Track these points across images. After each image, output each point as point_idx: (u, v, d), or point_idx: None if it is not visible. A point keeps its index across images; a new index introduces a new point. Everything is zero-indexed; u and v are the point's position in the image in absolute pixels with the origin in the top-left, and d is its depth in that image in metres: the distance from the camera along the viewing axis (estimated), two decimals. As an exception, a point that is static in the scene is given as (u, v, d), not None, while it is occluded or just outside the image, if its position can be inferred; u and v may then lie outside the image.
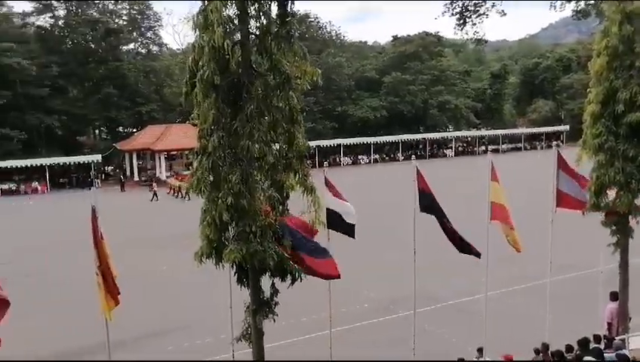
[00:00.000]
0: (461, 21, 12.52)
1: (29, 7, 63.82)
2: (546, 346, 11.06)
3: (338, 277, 10.45)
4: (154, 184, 46.31)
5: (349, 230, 11.70)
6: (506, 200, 12.01)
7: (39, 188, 51.15)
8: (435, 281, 18.89)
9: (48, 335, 16.13)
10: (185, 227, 27.17)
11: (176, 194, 44.82)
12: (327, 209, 11.31)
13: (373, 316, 17.15)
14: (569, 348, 10.71)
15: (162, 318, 17.45)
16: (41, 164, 51.44)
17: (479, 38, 12.95)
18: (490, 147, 65.94)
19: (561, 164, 12.47)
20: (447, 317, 16.90)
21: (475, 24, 12.50)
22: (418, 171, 11.56)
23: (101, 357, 11.44)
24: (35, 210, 41.40)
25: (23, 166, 50.89)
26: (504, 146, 72.75)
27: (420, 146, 69.80)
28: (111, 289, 9.41)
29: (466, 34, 12.81)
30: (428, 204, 11.58)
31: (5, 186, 50.48)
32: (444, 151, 71.03)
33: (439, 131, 75.07)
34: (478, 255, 11.62)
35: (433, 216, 11.58)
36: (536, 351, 11.16)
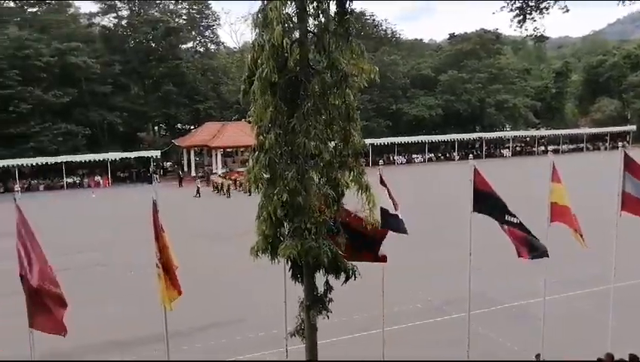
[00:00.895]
0: (521, 17, 12.09)
1: (95, 7, 66.35)
2: (610, 356, 10.64)
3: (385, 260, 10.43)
4: (197, 180, 47.35)
5: (402, 228, 11.59)
6: (570, 201, 11.61)
7: (101, 182, 53.19)
8: (491, 283, 18.49)
9: (112, 323, 16.71)
10: (238, 222, 27.69)
11: (219, 191, 45.55)
12: (382, 208, 11.26)
13: (425, 316, 16.94)
14: (633, 358, 10.29)
15: (217, 310, 17.79)
16: (104, 159, 53.50)
17: (540, 35, 12.47)
18: (549, 147, 63.92)
19: (629, 165, 11.94)
20: (502, 320, 16.50)
21: (535, 20, 12.06)
22: (476, 171, 11.34)
23: (143, 350, 11.85)
24: (99, 202, 43.02)
25: (87, 160, 53.15)
26: (564, 147, 70.44)
27: (476, 146, 68.46)
28: (173, 281, 9.70)
29: (526, 30, 12.36)
30: (485, 204, 11.32)
31: (70, 180, 52.74)
32: (501, 151, 69.44)
33: (496, 131, 73.38)
34: (545, 254, 11.14)
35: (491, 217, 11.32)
36: (600, 362, 10.76)
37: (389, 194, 11.23)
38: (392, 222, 11.26)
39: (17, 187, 10.20)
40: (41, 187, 51.09)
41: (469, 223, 11.55)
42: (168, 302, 9.60)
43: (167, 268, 9.61)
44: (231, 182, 46.63)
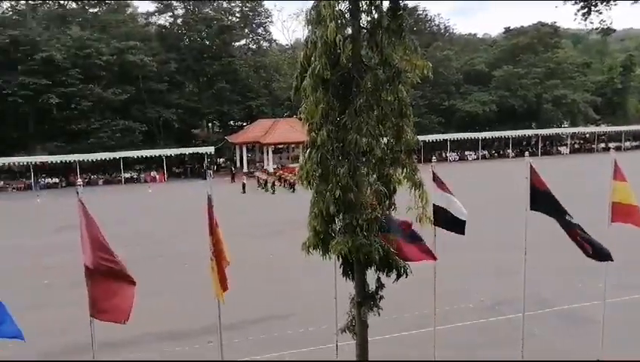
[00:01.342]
0: (586, 10, 11.58)
1: (152, 7, 68.24)
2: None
3: (434, 259, 10.32)
4: (243, 177, 47.89)
5: (457, 226, 11.41)
6: (636, 200, 11.14)
7: (157, 177, 54.68)
8: (546, 283, 18.00)
9: (167, 313, 17.19)
10: (285, 218, 27.86)
11: (264, 188, 45.94)
12: (434, 205, 11.13)
13: (477, 316, 16.65)
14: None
15: (268, 305, 18.02)
16: (160, 155, 55.06)
17: (606, 27, 11.92)
18: (611, 144, 61.56)
19: None
20: (558, 322, 16.02)
21: (601, 13, 11.52)
22: (532, 168, 11.05)
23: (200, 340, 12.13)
24: (155, 197, 44.27)
25: (144, 156, 54.87)
26: (627, 144, 67.63)
27: (532, 143, 66.60)
28: (221, 275, 9.90)
29: (591, 23, 11.84)
30: (542, 202, 11.02)
31: (128, 175, 54.48)
32: (559, 148, 67.29)
33: (553, 127, 71.10)
34: (609, 257, 10.76)
35: (549, 216, 11.02)
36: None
37: (444, 191, 11.08)
38: (445, 220, 11.13)
39: (80, 181, 10.60)
40: (101, 181, 53.00)
41: (525, 222, 11.28)
42: (221, 295, 9.82)
43: (219, 261, 9.83)
44: (275, 178, 47.02)
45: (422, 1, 72.11)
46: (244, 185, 45.05)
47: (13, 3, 63.34)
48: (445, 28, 79.63)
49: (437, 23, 78.69)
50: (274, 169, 52.72)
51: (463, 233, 11.51)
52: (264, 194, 44.34)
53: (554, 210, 10.86)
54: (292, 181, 45.23)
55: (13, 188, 51.62)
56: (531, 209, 11.19)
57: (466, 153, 64.35)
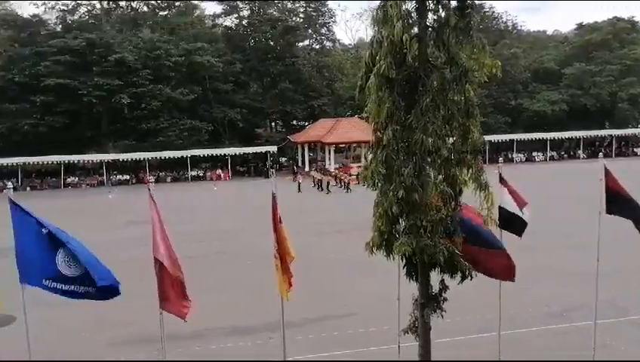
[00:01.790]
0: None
1: (218, 9, 69.92)
2: None
3: (512, 280, 10.05)
4: (299, 176, 48.16)
5: (520, 229, 11.12)
6: None
7: (222, 175, 56.00)
8: (622, 290, 17.17)
9: (230, 309, 17.56)
10: (343, 217, 27.83)
11: (319, 187, 45.93)
12: (500, 207, 10.88)
13: (544, 322, 16.09)
14: None
15: (329, 303, 18.09)
16: (225, 154, 56.38)
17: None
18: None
19: None
20: (635, 333, 15.25)
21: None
22: (607, 170, 10.60)
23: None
24: (220, 194, 45.37)
25: (209, 155, 56.37)
26: None
27: (605, 143, 63.72)
28: (286, 273, 10.04)
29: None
30: (619, 204, 10.56)
31: (194, 173, 56.11)
32: (634, 149, 64.07)
33: (629, 127, 67.68)
34: None
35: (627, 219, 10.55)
36: None
37: (511, 193, 10.81)
38: (510, 223, 10.85)
39: (152, 179, 11.04)
40: (168, 179, 54.82)
41: (597, 224, 10.84)
42: (285, 293, 9.96)
43: (283, 259, 9.97)
44: (331, 178, 46.99)
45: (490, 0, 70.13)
46: (299, 185, 45.37)
47: (89, 8, 66.46)
48: (513, 25, 77.48)
49: (504, 20, 76.64)
50: (335, 168, 52.85)
51: (520, 235, 11.21)
52: (319, 193, 44.49)
53: (632, 213, 10.38)
54: (347, 181, 45.22)
55: (87, 185, 54.21)
56: (607, 213, 10.74)
57: (534, 154, 62.39)
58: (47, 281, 8.54)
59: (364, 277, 19.29)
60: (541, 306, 17.26)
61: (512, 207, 11.11)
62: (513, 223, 11.16)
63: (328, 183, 44.91)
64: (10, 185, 10.49)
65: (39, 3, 65.87)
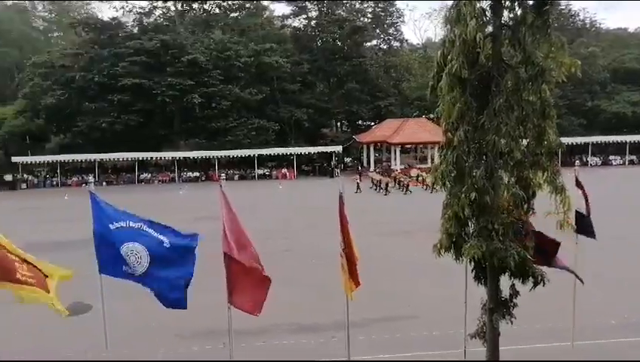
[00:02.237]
0: None
1: (287, 10, 70.90)
2: None
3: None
4: (358, 177, 47.80)
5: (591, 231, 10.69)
6: None
7: (287, 174, 56.71)
8: None
9: (294, 307, 17.73)
10: (405, 218, 27.45)
11: (377, 188, 45.42)
12: (577, 211, 10.47)
13: (619, 334, 15.30)
14: None
15: (392, 304, 17.95)
16: (290, 153, 57.09)
17: None
18: None
19: None
20: None
21: None
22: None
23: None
24: (286, 193, 45.94)
25: (276, 154, 57.25)
26: None
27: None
28: (352, 272, 10.06)
29: None
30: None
31: (260, 171, 57.15)
32: None
33: None
34: None
35: None
36: None
37: (585, 197, 10.40)
38: (586, 227, 10.44)
39: (223, 176, 11.33)
40: (236, 177, 56.07)
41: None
42: (350, 292, 9.98)
43: (349, 259, 9.99)
44: (390, 179, 46.45)
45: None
46: (358, 185, 45.16)
47: (164, 10, 68.96)
48: (591, 23, 74.27)
49: (582, 18, 73.60)
50: (399, 169, 52.40)
51: (594, 236, 10.77)
52: (377, 194, 44.11)
53: None
54: (406, 183, 44.67)
55: (159, 181, 56.27)
56: None
57: (610, 158, 59.57)
58: (125, 267, 8.98)
59: (427, 279, 19.02)
60: (618, 317, 16.44)
61: (585, 210, 10.70)
62: (588, 227, 10.73)
63: (387, 184, 44.46)
64: (90, 179, 11.07)
65: (118, 6, 69.00)
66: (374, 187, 46.29)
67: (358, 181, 45.99)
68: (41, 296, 8.16)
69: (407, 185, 44.42)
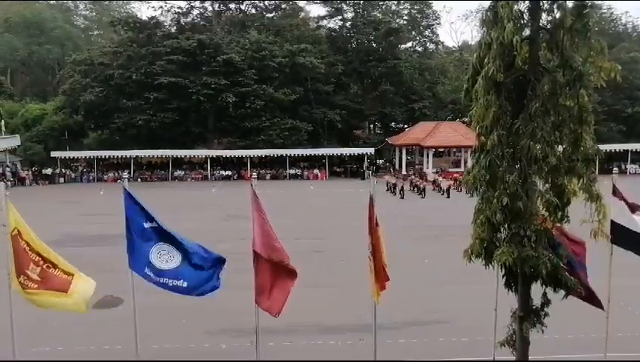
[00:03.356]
0: None
1: (323, 11, 70.96)
2: None
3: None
4: (373, 179, 46.89)
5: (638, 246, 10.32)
6: None
7: (319, 175, 56.76)
8: None
9: (320, 307, 17.75)
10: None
11: (392, 191, 44.77)
12: (613, 221, 10.17)
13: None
14: None
15: (421, 309, 17.80)
16: (322, 154, 57.15)
17: None
18: None
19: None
20: None
21: None
22: None
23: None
24: (317, 193, 45.99)
25: (308, 154, 57.40)
26: None
27: None
28: (379, 274, 10.00)
29: None
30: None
31: (292, 171, 57.36)
32: None
33: None
34: None
35: None
36: None
37: (628, 206, 10.09)
38: (625, 239, 10.13)
39: (255, 175, 11.42)
40: (268, 176, 56.33)
41: None
42: (376, 295, 9.93)
43: (376, 261, 9.94)
44: (405, 183, 45.66)
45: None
46: (394, 187, 44.76)
47: (201, 10, 69.86)
48: (633, 27, 72.34)
49: (624, 22, 71.78)
50: (433, 173, 51.92)
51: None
52: (392, 198, 43.43)
53: None
54: (423, 186, 44.10)
55: (192, 178, 57.01)
56: None
57: (651, 166, 57.95)
58: (147, 269, 9.15)
59: (457, 285, 18.79)
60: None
61: (627, 221, 10.34)
62: (629, 240, 10.36)
63: (402, 188, 43.66)
64: (125, 175, 11.28)
65: (156, 6, 70.24)
66: (389, 190, 45.40)
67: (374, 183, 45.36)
68: (51, 299, 8.39)
69: (424, 189, 43.90)
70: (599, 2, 66.30)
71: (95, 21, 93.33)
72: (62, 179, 55.60)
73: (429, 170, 53.44)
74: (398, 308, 16.52)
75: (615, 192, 10.36)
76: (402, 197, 42.72)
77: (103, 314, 16.27)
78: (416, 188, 45.19)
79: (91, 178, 56.39)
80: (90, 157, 57.44)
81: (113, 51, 61.46)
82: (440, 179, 47.53)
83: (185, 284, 9.11)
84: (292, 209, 36.51)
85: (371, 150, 58.22)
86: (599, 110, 57.59)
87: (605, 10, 69.10)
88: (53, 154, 55.86)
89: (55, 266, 8.75)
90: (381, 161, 64.20)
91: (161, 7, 68.66)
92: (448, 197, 42.75)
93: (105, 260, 19.68)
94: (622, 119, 61.88)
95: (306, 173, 57.64)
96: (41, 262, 8.62)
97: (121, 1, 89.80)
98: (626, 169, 55.71)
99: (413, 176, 49.29)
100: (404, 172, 55.63)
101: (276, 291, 9.43)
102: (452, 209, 34.82)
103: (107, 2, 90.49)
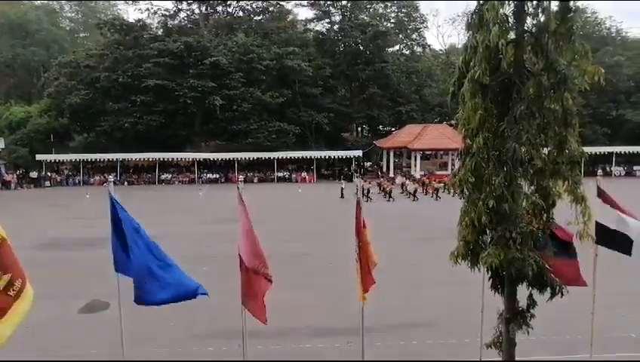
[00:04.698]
0: None
1: (310, 14, 71.14)
2: None
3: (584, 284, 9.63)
4: (343, 182, 47.41)
5: (623, 246, 10.44)
6: None
7: (307, 177, 56.79)
8: None
9: (308, 310, 17.72)
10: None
11: (362, 195, 44.53)
12: (597, 222, 10.28)
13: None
14: None
15: (409, 310, 17.84)
16: (310, 157, 57.19)
17: None
18: None
19: None
20: None
21: None
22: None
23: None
24: (305, 196, 45.96)
25: (296, 157, 57.41)
26: None
27: None
28: (365, 277, 10.02)
29: None
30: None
31: (280, 174, 57.34)
32: None
33: None
34: None
35: None
36: None
37: (616, 208, 10.19)
38: (609, 240, 10.24)
39: (241, 178, 11.38)
40: (255, 179, 56.32)
41: None
42: (362, 297, 9.94)
43: (363, 263, 9.96)
44: (372, 185, 45.51)
45: (594, 1, 66.28)
46: (342, 190, 44.70)
47: (188, 13, 69.66)
48: (617, 31, 73.14)
49: (608, 26, 72.54)
50: (420, 175, 52.14)
51: (629, 253, 10.52)
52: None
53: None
54: (389, 190, 44.19)
55: (179, 181, 56.77)
56: None
57: (635, 168, 58.59)
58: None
59: (448, 287, 18.87)
60: (637, 330, 16.14)
61: (613, 222, 10.46)
62: (613, 240, 10.50)
63: (368, 191, 43.28)
64: (111, 178, 11.19)
65: (143, 8, 69.92)
66: (359, 193, 45.00)
67: (343, 186, 45.43)
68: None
69: (391, 192, 43.95)
70: (585, 2, 67.11)
71: (81, 23, 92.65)
72: (47, 183, 55.16)
73: (417, 172, 53.64)
74: (386, 310, 16.56)
75: (600, 194, 10.48)
76: (368, 201, 42.50)
77: (89, 319, 16.15)
78: (384, 192, 45.20)
79: (77, 181, 55.99)
80: (76, 160, 57.00)
81: (99, 54, 61.13)
82: (407, 182, 47.74)
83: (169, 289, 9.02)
84: (280, 212, 36.50)
85: (359, 153, 58.37)
86: (584, 113, 58.20)
87: (590, 15, 69.88)
88: (39, 157, 55.34)
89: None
90: (369, 164, 64.36)
91: (148, 9, 68.53)
92: (414, 200, 42.94)
93: (91, 264, 19.55)
94: (606, 122, 62.63)
95: (294, 175, 57.64)
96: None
97: (107, 2, 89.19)
98: (610, 171, 56.41)
99: (381, 180, 49.41)
100: (391, 174, 55.82)
101: (260, 298, 9.43)
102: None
103: (93, 4, 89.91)
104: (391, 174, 56.60)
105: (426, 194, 45.62)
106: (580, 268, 9.97)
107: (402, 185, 47.05)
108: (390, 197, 43.42)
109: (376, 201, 42.46)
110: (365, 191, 43.31)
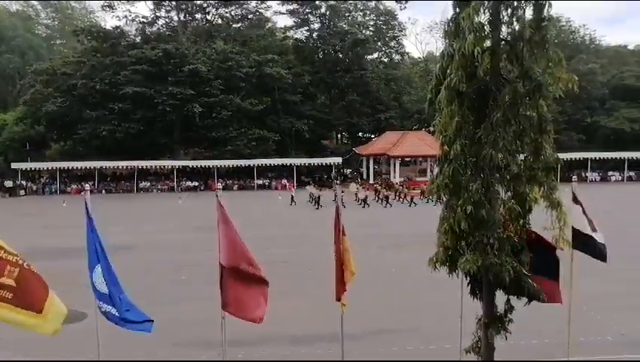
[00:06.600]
0: None
1: (290, 22, 71.27)
2: None
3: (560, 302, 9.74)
4: (292, 189, 47.33)
5: (598, 252, 10.60)
6: None
7: (287, 185, 56.68)
8: None
9: (287, 317, 17.64)
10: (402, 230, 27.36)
11: (314, 203, 44.26)
12: (573, 228, 10.44)
13: (617, 351, 15.22)
14: None
15: (389, 317, 17.88)
16: (290, 164, 57.15)
17: None
18: None
19: None
20: None
21: None
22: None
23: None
24: (284, 204, 45.83)
25: (276, 164, 57.30)
26: None
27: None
28: (340, 284, 10.02)
29: None
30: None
31: (260, 181, 57.18)
32: None
33: None
34: None
35: None
36: None
37: (584, 213, 10.37)
38: (585, 245, 10.39)
39: (220, 185, 11.34)
40: (235, 187, 56.05)
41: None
42: (342, 305, 9.94)
43: (338, 270, 9.98)
44: (322, 193, 45.10)
45: (568, 0, 67.06)
46: (292, 198, 44.70)
47: (167, 20, 69.30)
48: (591, 39, 74.57)
49: (582, 34, 73.91)
50: (400, 182, 52.41)
51: (604, 259, 10.68)
52: (311, 207, 43.46)
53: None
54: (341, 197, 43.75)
55: (158, 189, 56.26)
56: None
57: (609, 173, 59.64)
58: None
59: (425, 293, 18.95)
60: (614, 334, 16.38)
61: (586, 228, 10.63)
62: (588, 245, 10.66)
63: (319, 198, 43.30)
64: (87, 187, 11.03)
65: (121, 15, 69.43)
66: (310, 201, 44.84)
67: (292, 193, 45.61)
68: (13, 317, 7.76)
69: (341, 198, 43.62)
70: (560, 11, 68.14)
71: (57, 30, 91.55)
72: (22, 192, 54.20)
73: (397, 178, 53.90)
74: (366, 316, 16.57)
75: (575, 199, 10.63)
76: (318, 208, 42.43)
77: (66, 329, 15.85)
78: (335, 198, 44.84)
79: (54, 190, 55.16)
80: (52, 168, 56.11)
81: (76, 61, 60.48)
82: (359, 188, 47.75)
83: (115, 313, 8.91)
84: (259, 219, 36.35)
85: (338, 160, 58.50)
86: (560, 120, 59.20)
87: (564, 23, 71.14)
88: (14, 165, 54.34)
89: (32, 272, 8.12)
90: (349, 171, 64.55)
91: (126, 16, 67.90)
92: (364, 207, 42.82)
93: (68, 273, 19.22)
94: (581, 128, 63.71)
95: (274, 183, 57.53)
96: (20, 261, 7.98)
97: (84, 10, 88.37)
98: (586, 177, 57.31)
99: (337, 188, 49.29)
100: (371, 181, 55.97)
101: (253, 299, 9.38)
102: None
103: (70, 11, 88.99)
104: (371, 181, 56.77)
105: (400, 201, 45.69)
106: (559, 288, 10.02)
107: (355, 193, 46.34)
108: (342, 204, 42.94)
109: (327, 208, 42.49)
110: (316, 198, 43.30)
